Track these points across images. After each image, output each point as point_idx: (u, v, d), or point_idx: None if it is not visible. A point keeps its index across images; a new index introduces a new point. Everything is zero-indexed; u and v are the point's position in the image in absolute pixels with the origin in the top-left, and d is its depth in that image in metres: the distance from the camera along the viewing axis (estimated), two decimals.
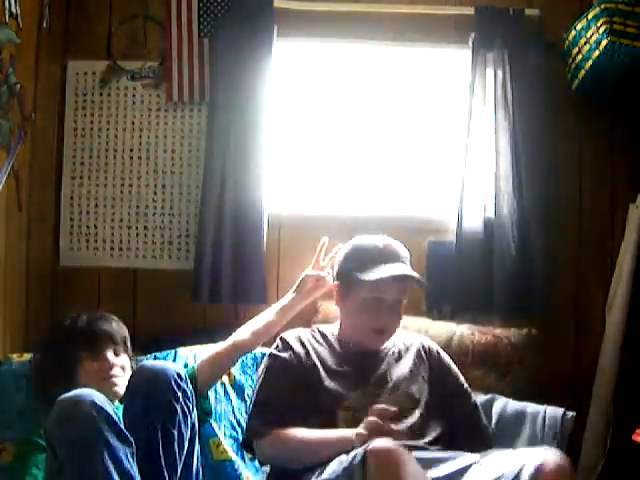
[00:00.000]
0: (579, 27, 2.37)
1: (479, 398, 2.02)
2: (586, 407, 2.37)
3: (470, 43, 2.56)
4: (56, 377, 1.95)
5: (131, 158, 2.68)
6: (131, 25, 2.67)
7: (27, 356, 2.18)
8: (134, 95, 2.68)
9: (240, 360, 2.24)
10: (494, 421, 1.98)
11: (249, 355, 2.27)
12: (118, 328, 2.03)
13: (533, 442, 1.90)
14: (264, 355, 2.28)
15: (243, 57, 2.55)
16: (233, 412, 2.19)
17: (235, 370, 2.23)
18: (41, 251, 2.58)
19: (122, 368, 1.97)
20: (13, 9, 2.20)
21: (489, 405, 2.02)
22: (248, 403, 2.19)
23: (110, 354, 1.96)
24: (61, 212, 2.67)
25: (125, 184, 2.68)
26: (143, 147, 2.68)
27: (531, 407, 1.98)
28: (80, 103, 2.68)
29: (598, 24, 2.25)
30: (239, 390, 2.23)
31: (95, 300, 2.64)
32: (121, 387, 1.91)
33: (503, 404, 2.01)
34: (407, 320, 2.27)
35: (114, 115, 2.68)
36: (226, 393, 2.20)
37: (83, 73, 2.68)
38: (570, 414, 1.95)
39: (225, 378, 2.20)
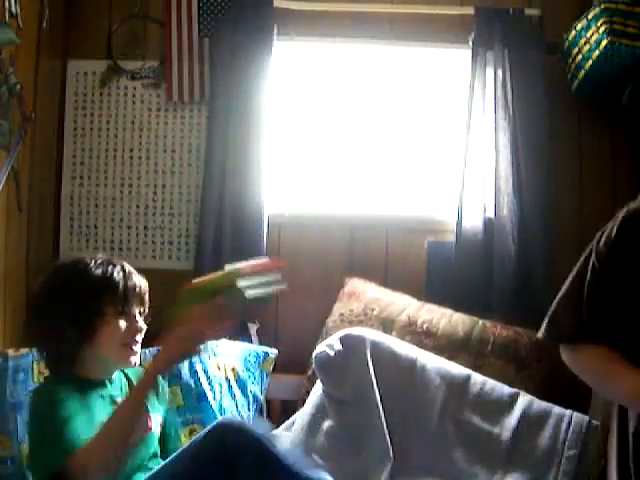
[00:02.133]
0: (579, 27, 2.37)
1: (505, 390, 2.04)
2: (586, 407, 2.36)
3: (470, 43, 2.56)
4: (68, 331, 1.55)
5: (131, 158, 2.68)
6: (131, 25, 2.67)
7: (23, 351, 2.18)
8: (134, 95, 2.68)
9: (243, 357, 2.26)
10: (517, 416, 1.99)
11: (252, 353, 2.29)
12: (146, 284, 1.70)
13: (554, 443, 1.93)
14: (267, 354, 2.30)
15: (243, 57, 2.55)
16: (237, 408, 2.20)
17: (239, 367, 2.25)
18: (41, 251, 2.58)
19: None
20: (13, 9, 2.20)
21: (514, 399, 2.03)
22: None
23: (139, 316, 1.64)
24: (61, 212, 2.68)
25: (125, 184, 2.68)
26: (143, 147, 2.68)
27: (557, 409, 2.00)
28: (80, 103, 2.68)
29: (598, 24, 2.25)
30: (242, 386, 2.24)
31: None
32: (137, 357, 1.65)
33: (528, 401, 2.02)
34: (431, 308, 2.34)
35: (114, 115, 2.68)
36: (230, 388, 2.21)
37: (83, 73, 2.68)
38: (595, 423, 1.95)
39: (230, 374, 2.22)
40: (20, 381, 2.08)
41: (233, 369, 2.24)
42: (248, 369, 2.28)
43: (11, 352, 2.18)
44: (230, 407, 2.18)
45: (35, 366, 2.11)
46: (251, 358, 2.29)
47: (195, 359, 2.19)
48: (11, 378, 2.08)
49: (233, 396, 2.21)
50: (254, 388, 2.26)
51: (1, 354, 2.18)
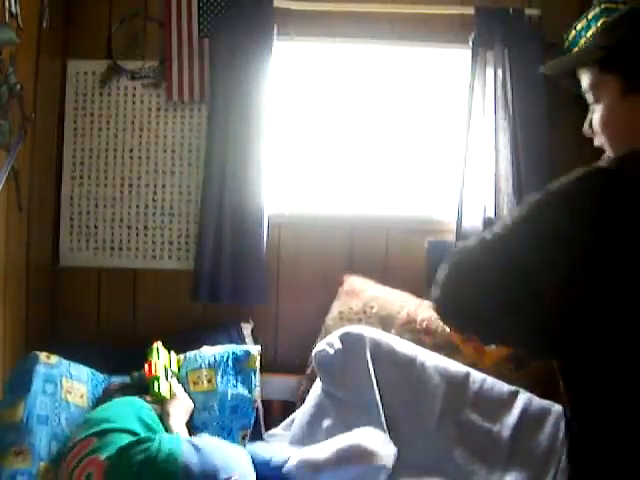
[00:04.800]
0: (579, 27, 2.37)
1: (504, 388, 2.05)
2: None
3: (470, 43, 2.56)
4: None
5: (131, 158, 2.68)
6: (131, 25, 2.67)
7: (54, 359, 2.11)
8: (134, 95, 2.68)
9: (220, 364, 2.21)
10: (516, 414, 1.99)
11: (230, 356, 2.22)
12: None
13: (554, 441, 1.93)
14: (248, 352, 2.22)
15: (243, 57, 2.55)
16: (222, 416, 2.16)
17: (216, 376, 2.20)
18: (41, 251, 2.58)
19: None
20: (13, 9, 2.20)
21: (513, 397, 2.04)
22: None
23: None
24: (61, 212, 2.67)
25: (125, 184, 2.68)
26: (143, 147, 2.68)
27: (557, 407, 2.00)
28: (80, 103, 2.68)
29: (598, 24, 2.25)
30: (223, 395, 2.18)
31: (95, 300, 2.64)
32: None
33: (527, 399, 2.04)
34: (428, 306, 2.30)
35: (114, 115, 2.68)
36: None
37: (83, 73, 2.68)
38: None
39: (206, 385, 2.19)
40: (49, 393, 2.01)
41: (210, 380, 2.17)
42: (227, 373, 2.20)
43: (43, 357, 2.09)
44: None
45: (64, 382, 2.06)
46: (230, 362, 2.20)
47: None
48: (41, 388, 2.01)
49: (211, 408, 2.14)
50: (238, 391, 2.16)
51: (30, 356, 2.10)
